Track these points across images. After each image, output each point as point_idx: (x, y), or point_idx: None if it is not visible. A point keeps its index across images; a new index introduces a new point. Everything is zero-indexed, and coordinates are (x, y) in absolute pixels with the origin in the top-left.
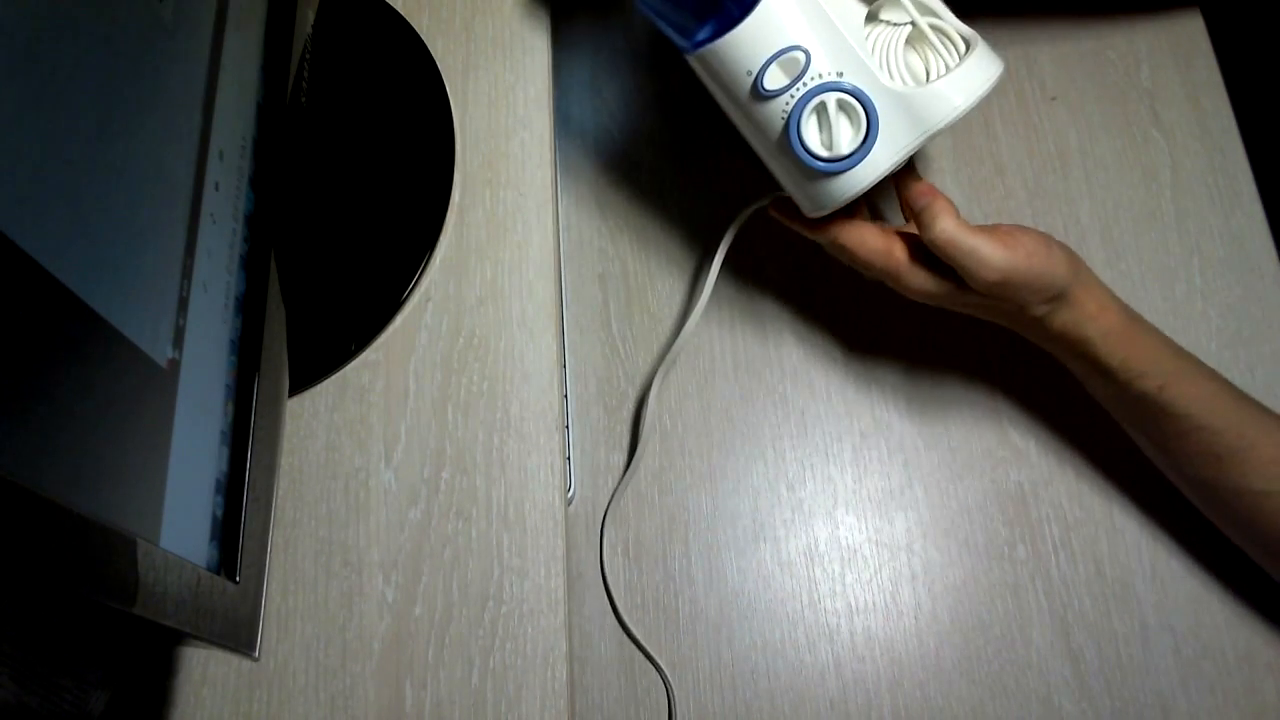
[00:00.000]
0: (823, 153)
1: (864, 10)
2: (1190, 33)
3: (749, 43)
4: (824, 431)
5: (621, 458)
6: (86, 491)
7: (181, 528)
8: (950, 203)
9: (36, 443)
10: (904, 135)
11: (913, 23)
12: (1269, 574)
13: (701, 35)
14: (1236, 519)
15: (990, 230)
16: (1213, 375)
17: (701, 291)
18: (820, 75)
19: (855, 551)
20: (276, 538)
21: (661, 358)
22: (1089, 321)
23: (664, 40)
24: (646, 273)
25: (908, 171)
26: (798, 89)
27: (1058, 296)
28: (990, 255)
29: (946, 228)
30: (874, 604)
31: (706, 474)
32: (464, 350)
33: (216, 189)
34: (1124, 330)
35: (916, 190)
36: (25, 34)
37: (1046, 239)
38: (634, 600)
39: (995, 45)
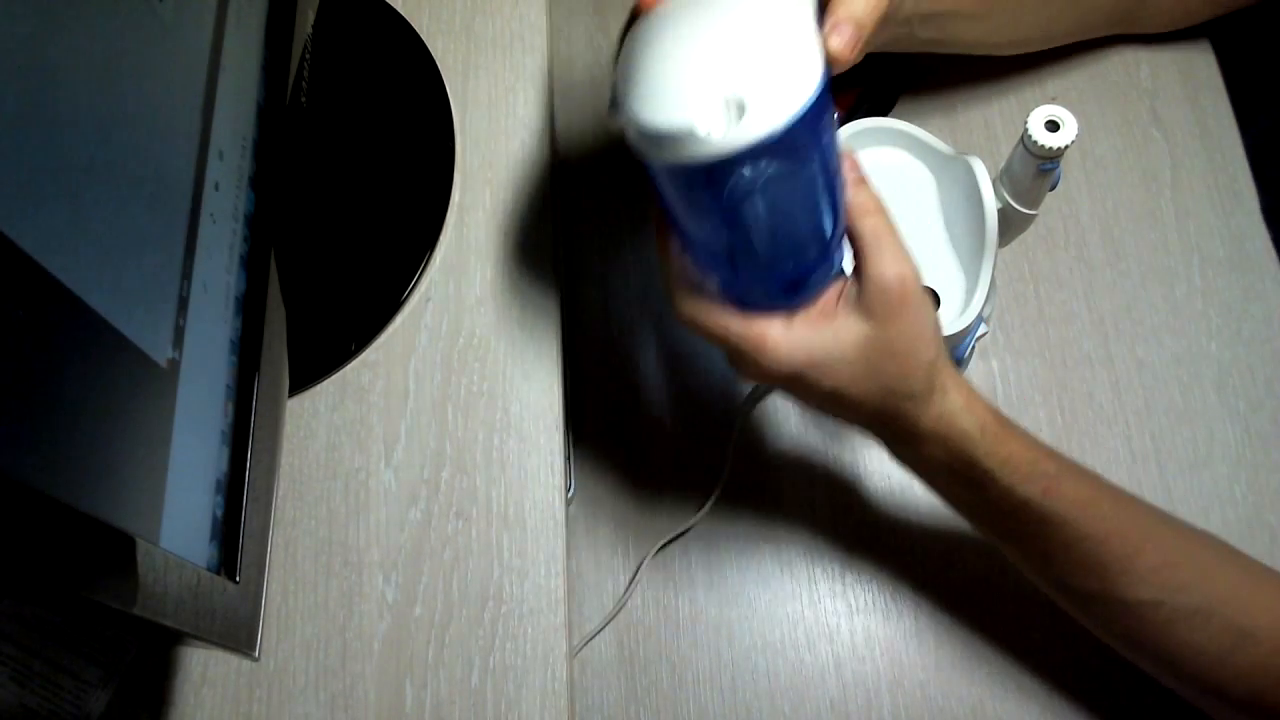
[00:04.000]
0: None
1: None
2: (1190, 33)
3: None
4: (825, 431)
5: (621, 458)
6: (86, 491)
7: (181, 528)
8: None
9: (36, 442)
10: None
11: None
12: (1165, 685)
13: None
14: (1126, 633)
15: None
16: (1091, 476)
17: None
18: None
19: (855, 551)
20: (276, 538)
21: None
22: (965, 413)
23: None
24: (647, 272)
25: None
26: None
27: (931, 377)
28: (899, 272)
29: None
30: (874, 604)
31: (707, 474)
32: (464, 350)
33: (216, 189)
34: (999, 425)
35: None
36: (25, 34)
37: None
38: (634, 600)
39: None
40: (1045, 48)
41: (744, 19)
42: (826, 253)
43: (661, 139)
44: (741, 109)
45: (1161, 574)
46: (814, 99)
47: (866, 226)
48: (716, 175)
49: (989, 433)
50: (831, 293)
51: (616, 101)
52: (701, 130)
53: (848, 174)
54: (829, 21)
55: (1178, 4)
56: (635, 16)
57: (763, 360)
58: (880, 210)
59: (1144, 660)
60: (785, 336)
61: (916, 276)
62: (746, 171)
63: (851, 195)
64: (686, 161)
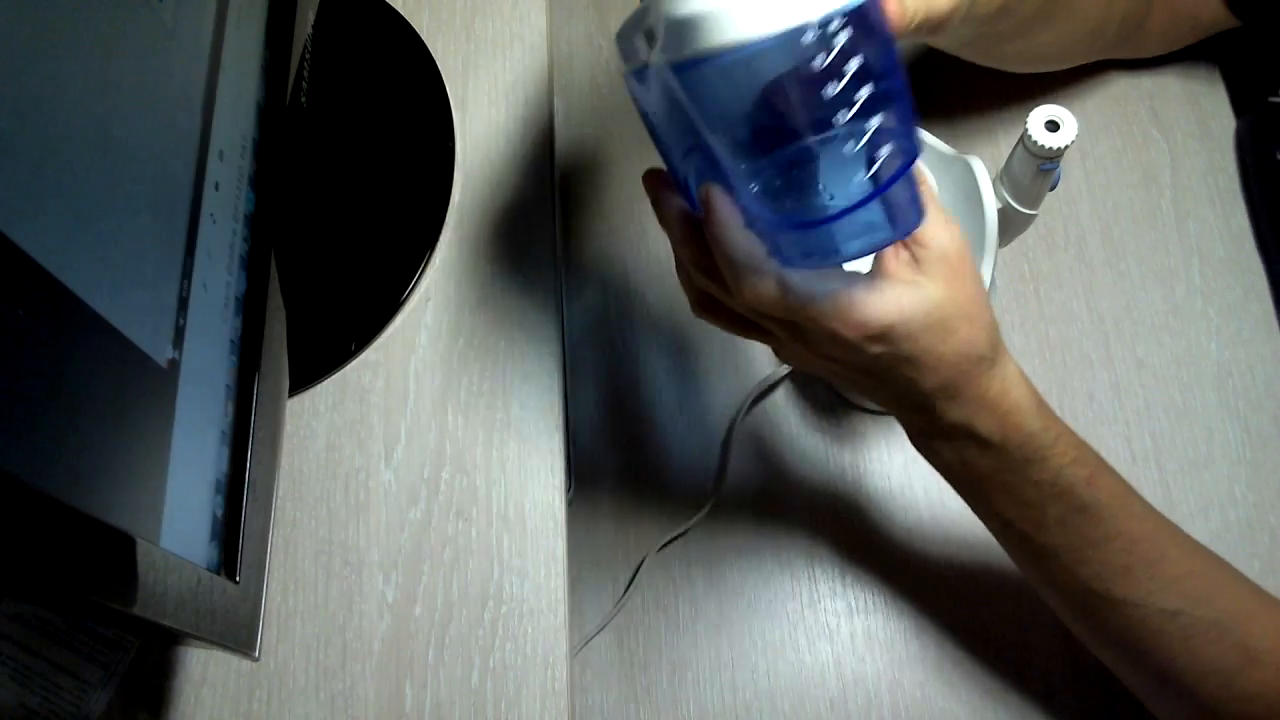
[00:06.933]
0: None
1: None
2: None
3: None
4: (825, 431)
5: (621, 458)
6: (87, 491)
7: (181, 528)
8: None
9: (36, 442)
10: None
11: None
12: (1149, 708)
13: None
14: (1137, 643)
15: None
16: (1119, 473)
17: None
18: None
19: (855, 551)
20: (276, 538)
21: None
22: (1022, 382)
23: None
24: (646, 273)
25: None
26: None
27: (994, 338)
28: (953, 234)
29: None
30: (874, 604)
31: (707, 474)
32: (464, 350)
33: (216, 189)
34: (1044, 402)
35: None
36: (26, 34)
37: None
38: (634, 600)
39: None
40: (1054, 69)
41: None
42: (909, 139)
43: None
44: None
45: (1184, 583)
46: None
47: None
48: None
49: (1042, 407)
50: (888, 257)
51: (681, 11)
52: None
53: None
54: None
55: (1164, 31)
56: None
57: (851, 319)
58: (923, 178)
59: (1146, 677)
60: (873, 291)
61: (964, 239)
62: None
63: None
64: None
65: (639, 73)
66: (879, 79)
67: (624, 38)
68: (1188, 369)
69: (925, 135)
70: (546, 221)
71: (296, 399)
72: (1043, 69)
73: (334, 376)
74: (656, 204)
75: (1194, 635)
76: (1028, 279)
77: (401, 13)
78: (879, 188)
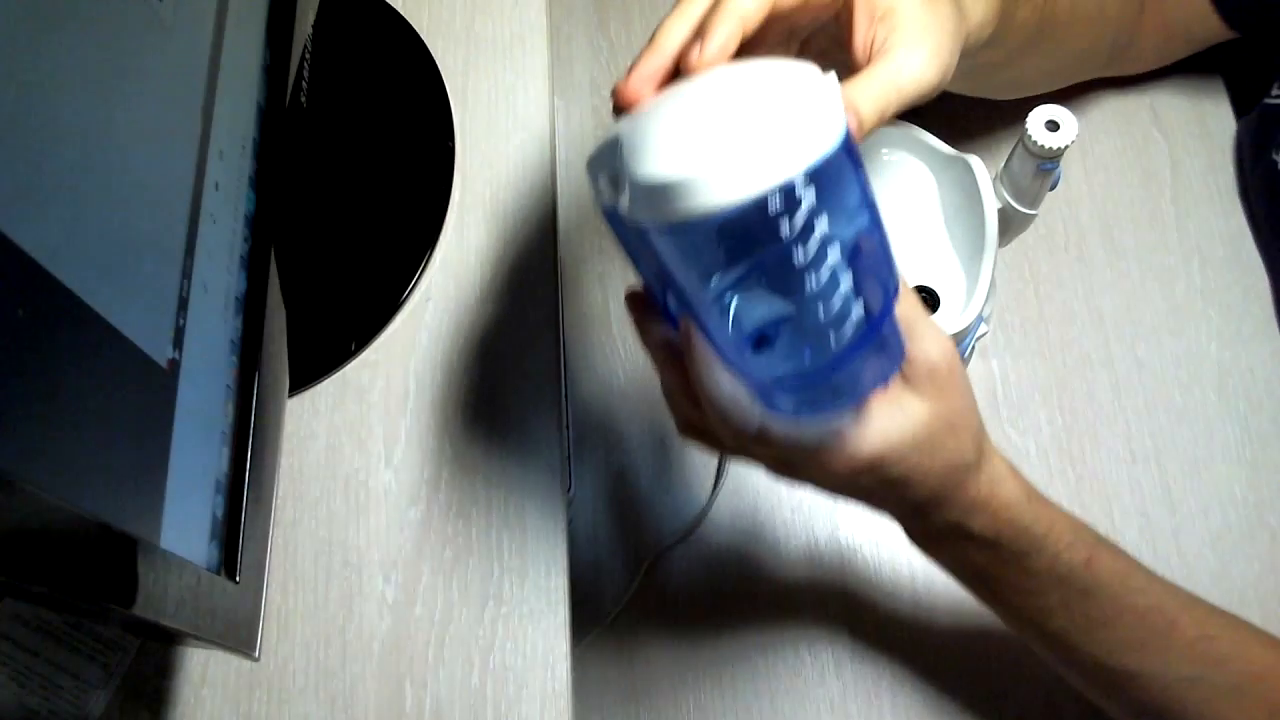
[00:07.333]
0: None
1: None
2: None
3: None
4: None
5: (621, 458)
6: (86, 491)
7: (181, 528)
8: None
9: (36, 443)
10: None
11: None
12: None
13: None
14: (1160, 713)
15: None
16: (1122, 550)
17: None
18: None
19: (855, 551)
20: (276, 538)
21: None
22: (1010, 477)
23: None
24: None
25: None
26: None
27: (980, 442)
28: (942, 347)
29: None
30: (874, 603)
31: (707, 475)
32: (464, 350)
33: (217, 189)
34: (1037, 492)
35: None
36: (25, 33)
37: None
38: (634, 601)
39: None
40: (1045, 92)
41: (760, 84)
42: (886, 305)
43: (718, 181)
44: (797, 128)
45: (1199, 647)
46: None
47: (902, 311)
48: (783, 201)
49: (1033, 498)
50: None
51: (640, 176)
52: (765, 153)
53: None
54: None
55: (1157, 48)
56: (619, 110)
57: (839, 457)
58: (908, 292)
59: None
60: (859, 425)
61: (955, 348)
62: (810, 194)
63: None
64: (757, 191)
65: (610, 210)
66: (851, 230)
67: (593, 170)
68: (1188, 369)
69: (925, 135)
70: (546, 221)
71: (296, 399)
72: (1033, 94)
73: (334, 376)
74: (639, 329)
75: (1215, 698)
76: (1028, 279)
77: (401, 13)
78: (858, 340)
